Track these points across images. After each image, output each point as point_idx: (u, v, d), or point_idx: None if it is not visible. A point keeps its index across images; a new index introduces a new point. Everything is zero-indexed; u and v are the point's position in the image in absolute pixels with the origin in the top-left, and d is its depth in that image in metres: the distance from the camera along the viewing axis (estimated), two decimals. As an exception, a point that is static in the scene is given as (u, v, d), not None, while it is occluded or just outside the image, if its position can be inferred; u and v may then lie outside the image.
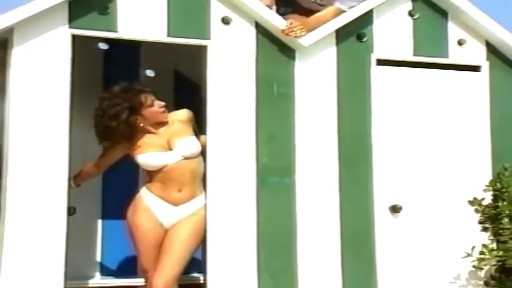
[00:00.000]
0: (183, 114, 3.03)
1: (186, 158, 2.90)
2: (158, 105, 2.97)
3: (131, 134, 2.91)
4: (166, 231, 2.89)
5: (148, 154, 2.90)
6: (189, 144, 2.93)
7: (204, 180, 3.00)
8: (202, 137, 3.01)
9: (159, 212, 2.89)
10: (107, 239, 3.43)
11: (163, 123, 2.98)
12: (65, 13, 2.85)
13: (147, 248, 2.88)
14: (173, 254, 2.82)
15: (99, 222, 3.40)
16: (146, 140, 2.94)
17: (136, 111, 2.90)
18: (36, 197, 2.78)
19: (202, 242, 2.95)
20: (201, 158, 2.96)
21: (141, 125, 2.92)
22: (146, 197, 2.92)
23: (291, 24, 3.09)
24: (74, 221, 2.87)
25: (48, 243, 2.76)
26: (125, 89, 2.94)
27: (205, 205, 2.95)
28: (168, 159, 2.88)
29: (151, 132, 2.96)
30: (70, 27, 2.86)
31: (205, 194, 2.97)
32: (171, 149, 2.91)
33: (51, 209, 2.79)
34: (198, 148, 2.95)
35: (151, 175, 2.94)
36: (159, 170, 2.89)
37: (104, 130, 2.90)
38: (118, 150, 2.96)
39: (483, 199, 3.24)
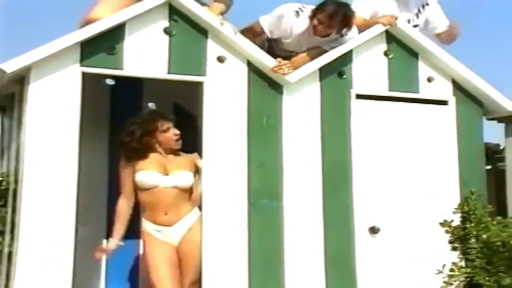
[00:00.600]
0: (195, 156, 3.11)
1: (174, 187, 2.98)
2: (173, 133, 3.06)
3: (142, 152, 2.98)
4: (176, 248, 2.97)
5: (146, 172, 2.96)
6: (184, 177, 3.01)
7: (200, 203, 3.04)
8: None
9: (160, 235, 2.97)
10: (111, 258, 3.41)
11: (175, 151, 3.07)
12: (77, 53, 2.92)
13: (159, 266, 2.92)
14: (193, 262, 2.96)
15: (104, 242, 3.40)
16: (152, 159, 3.01)
17: (151, 133, 3.00)
18: (46, 218, 2.82)
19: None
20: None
21: (154, 146, 3.01)
22: (146, 227, 3.00)
23: (279, 62, 3.18)
24: (82, 242, 2.91)
25: (57, 261, 2.79)
26: (149, 113, 3.10)
27: (199, 216, 3.02)
28: (161, 182, 2.96)
29: (161, 154, 3.04)
30: (81, 65, 2.93)
31: (201, 216, 3.02)
32: (167, 175, 2.99)
33: (60, 229, 2.82)
34: (189, 183, 3.03)
35: (143, 203, 3.01)
36: (149, 192, 2.96)
37: (120, 144, 3.00)
38: (131, 169, 3.01)
39: (452, 221, 3.26)
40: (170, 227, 2.97)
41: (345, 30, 3.34)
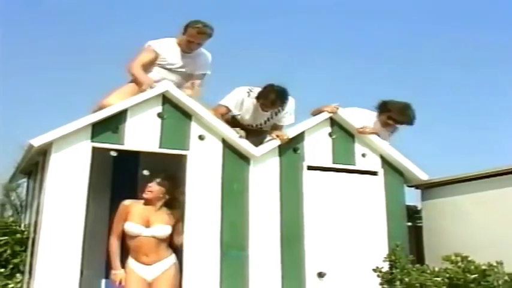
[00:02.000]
0: (178, 215, 3.38)
1: (153, 237, 3.25)
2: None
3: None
4: (150, 284, 3.23)
5: (131, 224, 3.25)
6: (162, 230, 3.29)
7: (181, 254, 3.34)
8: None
9: (140, 270, 3.24)
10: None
11: (155, 205, 3.31)
12: (88, 132, 3.33)
13: None
14: None
15: (103, 281, 3.67)
16: (139, 212, 3.27)
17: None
18: (58, 262, 3.11)
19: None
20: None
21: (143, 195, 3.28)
22: (130, 263, 3.27)
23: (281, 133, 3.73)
24: (85, 281, 3.22)
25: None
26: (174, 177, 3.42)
27: (175, 263, 3.28)
28: (142, 232, 3.25)
29: (144, 204, 3.30)
30: (92, 141, 3.33)
31: (176, 262, 3.28)
32: (148, 227, 3.26)
33: (69, 271, 3.12)
34: (167, 233, 3.29)
35: (130, 245, 3.26)
36: (133, 239, 3.24)
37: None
38: (122, 219, 3.25)
39: (382, 267, 3.52)
40: (149, 266, 3.25)
41: (279, 108, 3.86)
